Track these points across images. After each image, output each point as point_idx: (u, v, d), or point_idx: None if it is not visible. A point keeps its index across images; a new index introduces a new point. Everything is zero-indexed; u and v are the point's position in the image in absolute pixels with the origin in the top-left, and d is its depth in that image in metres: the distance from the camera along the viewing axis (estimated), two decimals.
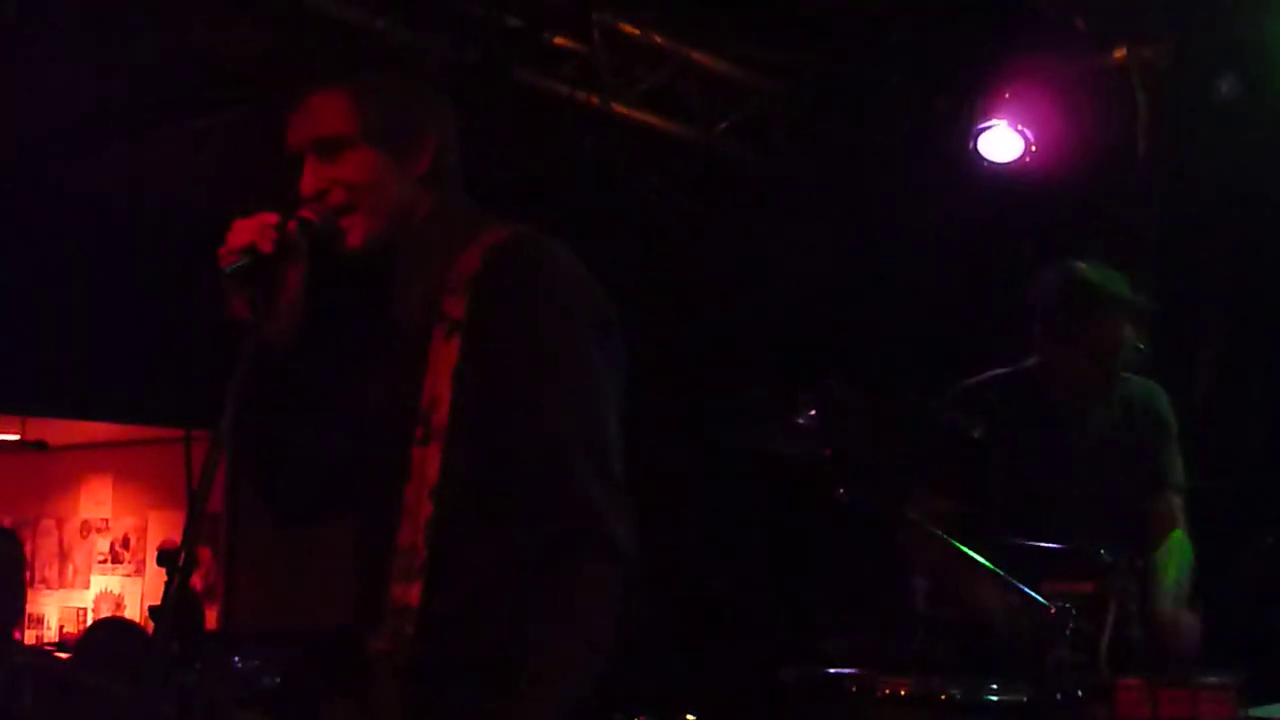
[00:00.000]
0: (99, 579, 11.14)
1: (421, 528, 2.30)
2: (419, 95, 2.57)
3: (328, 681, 2.46)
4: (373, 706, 2.33)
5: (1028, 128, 5.73)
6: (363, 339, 2.56)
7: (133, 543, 10.93)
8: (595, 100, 5.94)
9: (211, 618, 9.18)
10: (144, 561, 10.82)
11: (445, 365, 2.34)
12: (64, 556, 11.43)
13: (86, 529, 11.31)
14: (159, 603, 2.12)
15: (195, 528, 2.21)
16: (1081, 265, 4.20)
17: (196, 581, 2.21)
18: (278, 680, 3.78)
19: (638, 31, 5.88)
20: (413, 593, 2.29)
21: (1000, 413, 4.14)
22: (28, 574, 4.79)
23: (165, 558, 2.11)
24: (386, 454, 2.38)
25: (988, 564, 3.48)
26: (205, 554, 9.42)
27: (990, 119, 5.74)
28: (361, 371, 2.53)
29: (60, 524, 11.47)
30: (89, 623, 10.63)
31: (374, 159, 2.46)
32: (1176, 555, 4.12)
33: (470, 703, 2.26)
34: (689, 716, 1.65)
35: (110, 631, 5.36)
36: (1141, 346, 4.17)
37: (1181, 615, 3.95)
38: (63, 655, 5.56)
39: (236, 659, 3.50)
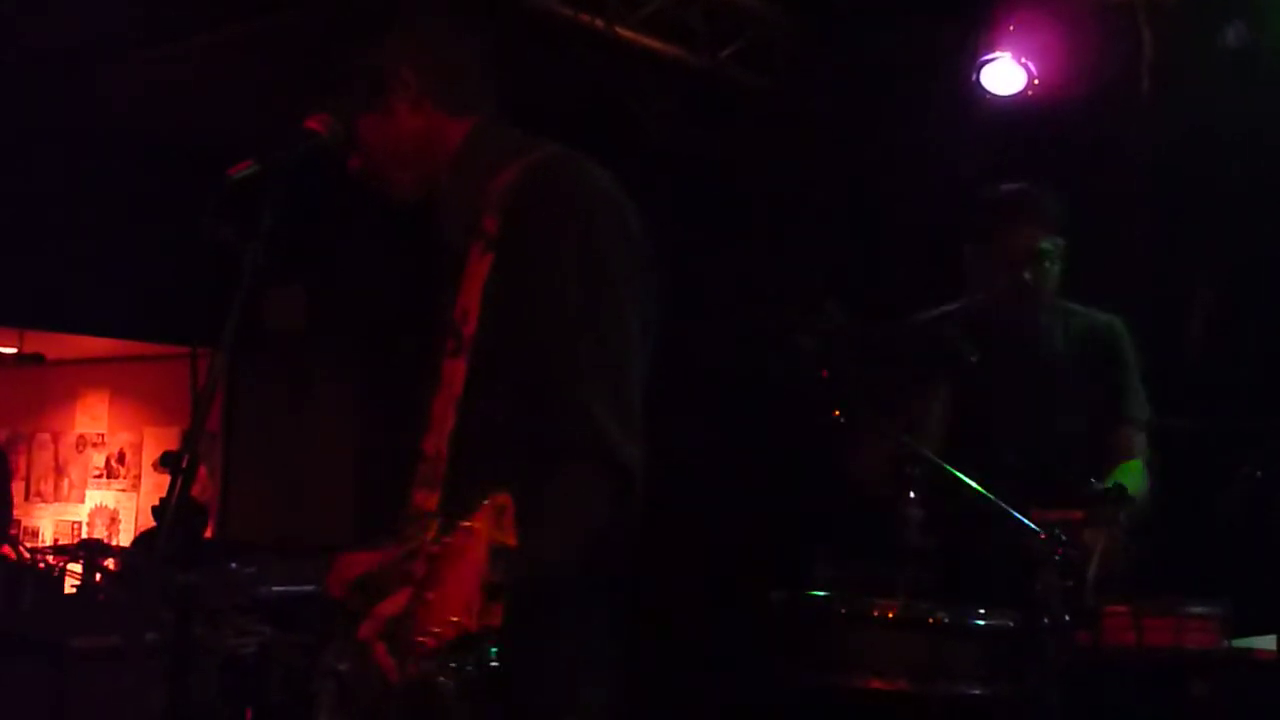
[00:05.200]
0: (94, 493, 11.20)
1: (445, 436, 2.35)
2: (380, 41, 2.60)
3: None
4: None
5: (1031, 61, 5.71)
6: (426, 262, 2.62)
7: (128, 458, 10.97)
8: (599, 23, 5.92)
9: (207, 533, 9.24)
10: (139, 477, 10.87)
11: (477, 280, 2.38)
12: (60, 470, 11.49)
13: (82, 443, 11.36)
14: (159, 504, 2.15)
15: (198, 430, 2.24)
16: (1003, 185, 4.22)
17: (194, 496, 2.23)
18: (274, 589, 3.82)
19: None
20: (433, 500, 2.35)
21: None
22: (23, 487, 4.83)
23: (167, 459, 2.15)
24: (430, 366, 2.44)
25: (979, 489, 3.50)
26: (202, 471, 9.45)
27: (994, 51, 5.72)
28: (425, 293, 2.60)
29: (56, 438, 11.52)
30: (83, 536, 10.70)
31: (366, 123, 2.57)
32: (1126, 476, 4.04)
33: None
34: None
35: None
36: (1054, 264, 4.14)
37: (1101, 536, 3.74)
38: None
39: (234, 564, 3.54)
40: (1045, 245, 4.10)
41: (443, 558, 1.76)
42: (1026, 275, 4.10)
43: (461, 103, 2.59)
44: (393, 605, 2.08)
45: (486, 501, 1.75)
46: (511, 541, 1.71)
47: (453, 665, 1.75)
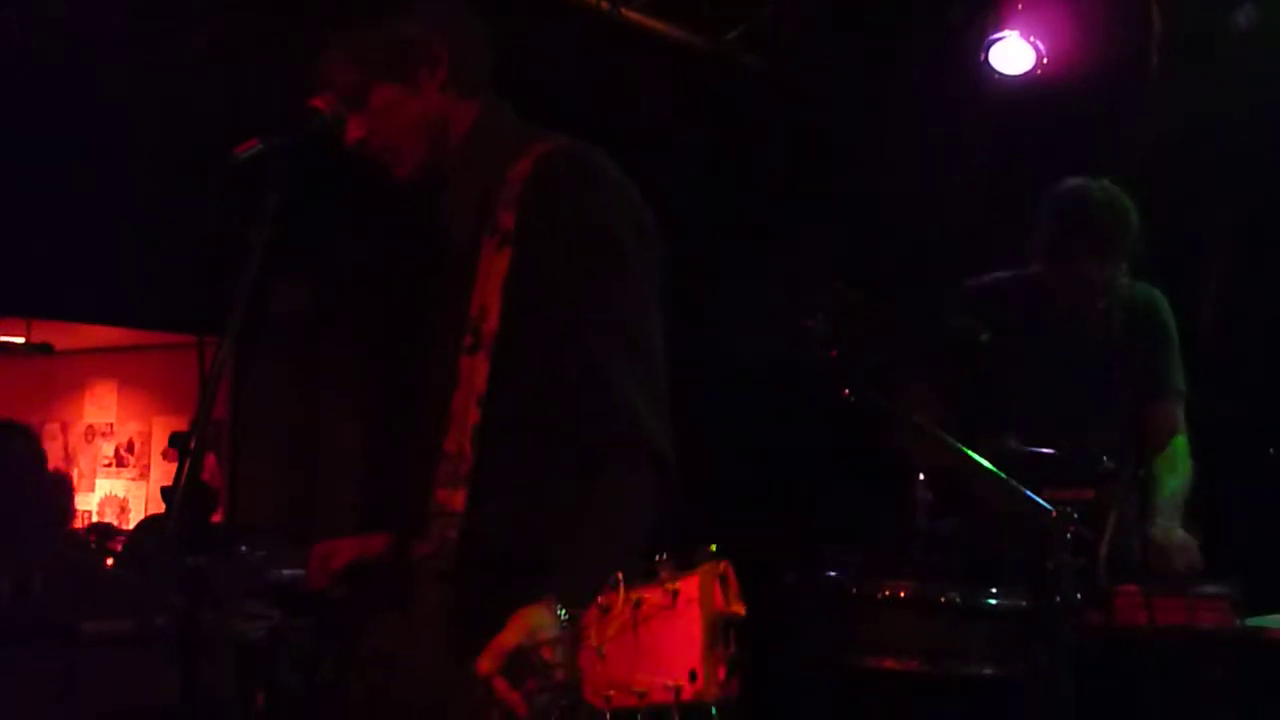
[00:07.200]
0: (104, 483, 11.21)
1: (468, 434, 2.33)
2: (414, 12, 2.56)
3: (375, 593, 2.49)
4: (416, 612, 2.36)
5: (1040, 40, 5.68)
6: (423, 251, 2.60)
7: (137, 447, 10.99)
8: (605, 5, 5.90)
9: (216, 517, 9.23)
10: (148, 466, 10.88)
11: (495, 276, 2.37)
12: (69, 460, 11.49)
13: (91, 433, 11.37)
14: (169, 486, 2.15)
15: (206, 416, 2.23)
16: (1088, 189, 4.16)
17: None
18: (284, 573, 3.82)
19: None
20: (458, 498, 2.32)
21: (1003, 315, 4.15)
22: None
23: (177, 439, 2.14)
24: (439, 362, 2.42)
25: (991, 468, 3.49)
26: (209, 459, 9.41)
27: (1002, 30, 5.69)
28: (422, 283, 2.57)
29: (65, 428, 11.53)
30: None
31: (389, 92, 2.51)
32: (1176, 465, 4.11)
33: (507, 605, 2.17)
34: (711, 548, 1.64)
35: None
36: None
37: (1174, 534, 3.84)
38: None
39: (243, 548, 3.53)
40: (1118, 275, 4.11)
41: (640, 614, 1.70)
42: (1100, 305, 4.11)
43: (473, 84, 2.57)
44: (511, 638, 2.02)
45: (703, 565, 1.64)
46: (741, 611, 1.63)
47: None
